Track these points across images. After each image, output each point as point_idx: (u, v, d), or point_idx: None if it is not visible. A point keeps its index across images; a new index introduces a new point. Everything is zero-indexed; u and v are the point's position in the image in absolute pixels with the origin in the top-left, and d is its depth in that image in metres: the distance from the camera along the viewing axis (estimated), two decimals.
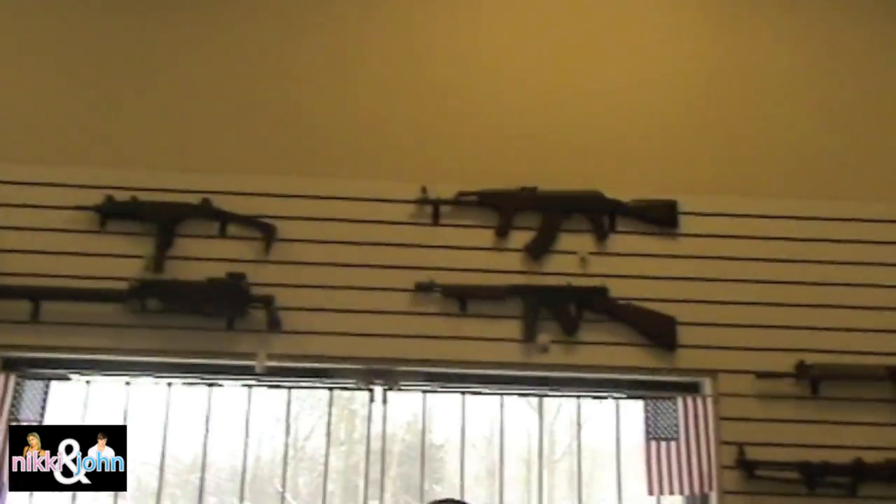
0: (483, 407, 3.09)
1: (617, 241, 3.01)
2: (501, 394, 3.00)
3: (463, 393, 2.99)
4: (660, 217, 3.01)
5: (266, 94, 3.16)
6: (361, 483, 2.96)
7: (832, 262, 3.00)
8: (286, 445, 2.95)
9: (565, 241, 3.00)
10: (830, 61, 3.30)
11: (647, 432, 2.91)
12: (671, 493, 2.86)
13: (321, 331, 2.88)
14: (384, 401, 2.93)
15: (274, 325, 2.84)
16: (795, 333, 2.93)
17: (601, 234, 3.00)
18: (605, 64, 3.25)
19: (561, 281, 2.94)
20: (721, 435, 2.86)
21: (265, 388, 2.97)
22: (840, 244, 3.01)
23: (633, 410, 2.99)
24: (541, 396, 3.03)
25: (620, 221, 3.02)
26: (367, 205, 3.00)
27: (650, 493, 2.86)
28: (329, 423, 2.98)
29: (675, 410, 2.92)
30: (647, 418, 2.93)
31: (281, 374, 2.91)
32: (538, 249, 2.98)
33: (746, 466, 2.80)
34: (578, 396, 3.03)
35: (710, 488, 2.84)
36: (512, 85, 3.20)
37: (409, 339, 2.90)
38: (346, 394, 3.01)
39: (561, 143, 3.12)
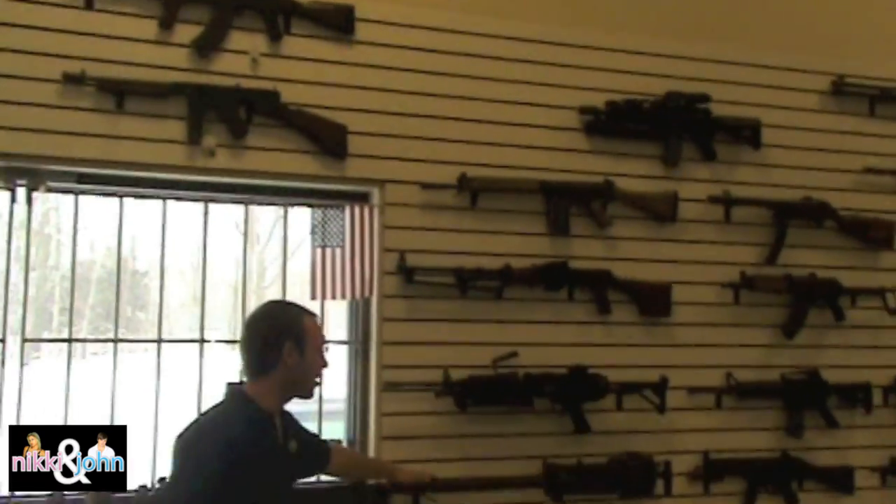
0: (190, 234, 2.92)
1: (291, 44, 2.89)
2: (162, 198, 2.85)
3: (120, 196, 2.81)
4: (336, 22, 2.92)
5: None
6: (56, 310, 2.72)
7: (496, 80, 3.09)
8: None
9: (236, 39, 2.84)
10: None
11: (314, 239, 2.93)
12: (333, 297, 2.92)
13: None
14: (28, 201, 2.68)
15: None
16: (460, 147, 3.02)
17: (275, 35, 2.86)
18: None
19: (230, 81, 2.79)
20: (385, 243, 2.94)
21: None
22: (504, 62, 3.11)
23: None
24: (206, 202, 2.90)
25: (296, 23, 2.89)
26: None
27: (313, 297, 2.90)
28: None
29: (343, 218, 2.94)
30: (314, 226, 2.94)
31: None
32: (206, 45, 2.79)
33: (406, 272, 2.91)
34: (245, 203, 2.96)
35: (371, 293, 2.94)
36: None
37: (56, 136, 2.65)
38: (40, 217, 2.70)
39: None
